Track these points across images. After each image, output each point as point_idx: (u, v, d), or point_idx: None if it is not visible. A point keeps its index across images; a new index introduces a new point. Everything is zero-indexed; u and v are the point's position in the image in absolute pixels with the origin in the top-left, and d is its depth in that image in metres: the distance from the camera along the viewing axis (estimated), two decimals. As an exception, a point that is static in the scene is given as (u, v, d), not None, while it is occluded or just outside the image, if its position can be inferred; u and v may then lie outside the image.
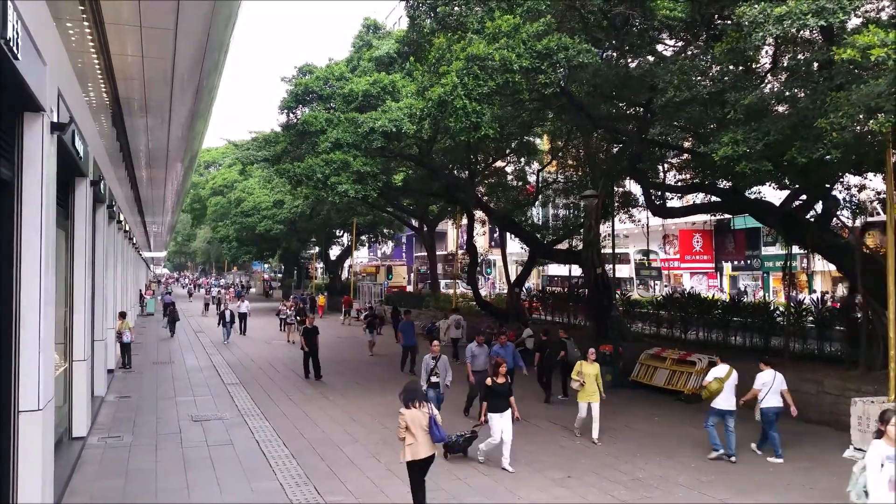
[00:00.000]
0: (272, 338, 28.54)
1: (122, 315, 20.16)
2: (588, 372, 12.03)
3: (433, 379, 12.35)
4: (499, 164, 28.72)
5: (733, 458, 10.72)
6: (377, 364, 21.18)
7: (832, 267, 19.33)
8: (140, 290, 45.48)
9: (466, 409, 13.84)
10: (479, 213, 29.10)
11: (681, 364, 15.89)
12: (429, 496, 8.34)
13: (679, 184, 20.75)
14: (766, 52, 14.13)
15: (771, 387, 10.81)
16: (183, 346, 26.02)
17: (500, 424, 10.29)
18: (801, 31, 11.67)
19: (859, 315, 14.18)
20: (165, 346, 25.74)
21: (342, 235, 51.64)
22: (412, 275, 58.09)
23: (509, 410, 10.40)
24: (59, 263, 10.07)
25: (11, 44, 5.25)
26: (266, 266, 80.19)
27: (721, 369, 11.04)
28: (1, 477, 6.39)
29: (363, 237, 48.91)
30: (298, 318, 27.10)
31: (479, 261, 33.12)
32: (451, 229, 48.74)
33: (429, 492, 8.36)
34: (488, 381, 10.57)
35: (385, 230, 47.23)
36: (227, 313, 27.02)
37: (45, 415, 6.80)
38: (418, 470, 8.00)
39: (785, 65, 13.56)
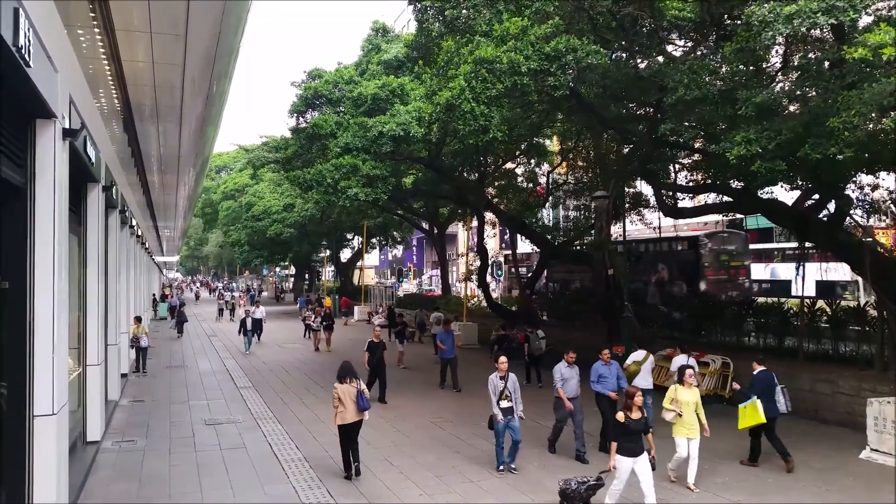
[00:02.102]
0: (285, 341, 28.60)
1: (139, 320, 20.27)
2: (685, 399, 9.70)
3: (504, 404, 10.19)
4: (508, 165, 28.70)
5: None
6: (388, 367, 21.15)
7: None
8: (154, 295, 45.72)
9: (552, 445, 11.54)
10: (489, 215, 29.09)
11: (694, 365, 15.80)
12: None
13: (690, 184, 20.65)
14: (777, 51, 14.03)
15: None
16: (196, 350, 26.13)
17: (634, 470, 8.26)
18: (812, 30, 11.57)
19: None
20: (178, 350, 25.85)
21: (353, 238, 51.75)
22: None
23: (646, 454, 8.43)
24: (72, 268, 10.16)
25: (23, 51, 5.30)
26: (276, 270, 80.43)
27: (638, 354, 12.82)
28: (16, 481, 6.44)
29: (374, 240, 48.99)
30: (325, 323, 25.55)
31: (490, 262, 33.12)
32: (461, 231, 48.78)
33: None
34: (620, 415, 8.45)
35: (395, 233, 47.27)
36: (249, 321, 25.29)
37: (59, 419, 6.85)
38: (347, 432, 10.00)
39: (796, 64, 13.47)
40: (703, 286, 22.87)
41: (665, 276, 23.48)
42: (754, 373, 10.82)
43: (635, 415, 8.38)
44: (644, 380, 12.51)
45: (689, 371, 10.11)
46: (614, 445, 8.34)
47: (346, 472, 10.03)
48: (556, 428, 11.42)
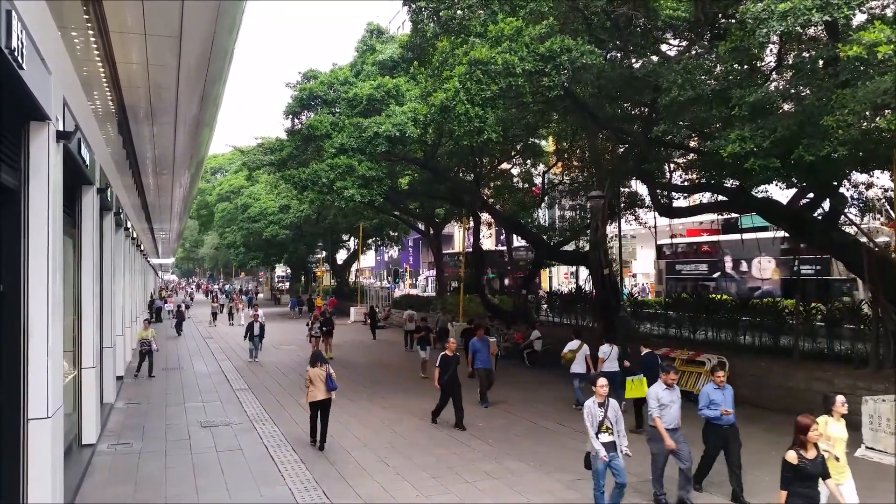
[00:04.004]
0: (280, 343, 28.54)
1: (149, 322, 20.24)
2: (838, 435, 7.34)
3: (605, 437, 8.13)
4: (504, 166, 28.72)
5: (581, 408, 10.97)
6: (384, 367, 21.17)
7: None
8: (151, 294, 45.64)
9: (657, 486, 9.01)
10: (485, 216, 29.09)
11: (690, 364, 15.82)
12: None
13: (685, 183, 20.68)
14: (771, 49, 14.07)
15: (609, 355, 14.10)
16: (192, 351, 26.07)
17: None
18: (806, 28, 11.60)
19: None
20: (174, 352, 25.77)
21: (349, 240, 51.71)
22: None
23: None
24: (67, 271, 10.12)
25: (16, 53, 5.28)
26: (271, 273, 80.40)
27: (574, 344, 14.83)
28: (11, 485, 6.41)
29: (370, 241, 48.98)
30: (324, 328, 23.77)
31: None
32: (457, 232, 48.78)
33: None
34: (791, 455, 6.42)
35: (392, 233, 47.26)
36: (256, 326, 23.45)
37: (54, 422, 6.82)
38: (316, 409, 11.61)
39: (790, 62, 13.50)
40: (507, 281, 36.21)
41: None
42: (641, 354, 12.83)
43: (811, 453, 6.43)
44: (579, 366, 14.68)
45: (839, 398, 7.57)
46: (783, 495, 6.45)
47: (312, 439, 11.78)
48: (656, 463, 8.99)
